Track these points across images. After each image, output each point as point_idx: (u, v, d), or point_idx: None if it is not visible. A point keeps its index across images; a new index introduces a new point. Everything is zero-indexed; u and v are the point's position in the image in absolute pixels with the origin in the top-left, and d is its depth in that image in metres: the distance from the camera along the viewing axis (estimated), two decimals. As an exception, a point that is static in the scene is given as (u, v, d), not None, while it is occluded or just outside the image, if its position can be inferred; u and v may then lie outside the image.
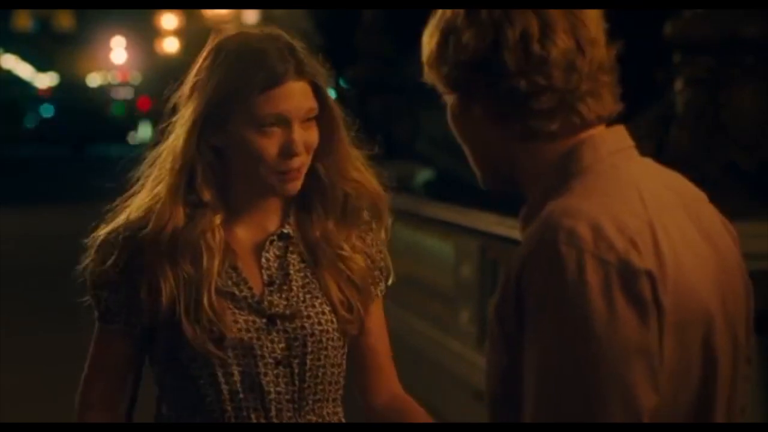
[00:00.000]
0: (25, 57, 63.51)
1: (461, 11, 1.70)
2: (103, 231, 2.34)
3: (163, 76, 34.52)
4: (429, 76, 1.76)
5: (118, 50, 54.35)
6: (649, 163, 1.76)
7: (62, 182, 26.80)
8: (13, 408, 7.29)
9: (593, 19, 1.69)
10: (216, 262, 2.28)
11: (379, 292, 2.43)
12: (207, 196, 2.28)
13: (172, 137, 2.31)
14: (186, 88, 2.31)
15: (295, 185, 2.27)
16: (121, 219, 2.34)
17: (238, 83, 2.23)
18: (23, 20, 63.55)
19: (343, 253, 2.34)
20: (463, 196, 8.06)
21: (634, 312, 1.57)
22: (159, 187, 2.31)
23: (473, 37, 1.67)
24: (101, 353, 2.36)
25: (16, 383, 7.98)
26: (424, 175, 10.58)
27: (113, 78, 57.09)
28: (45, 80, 63.09)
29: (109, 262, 2.29)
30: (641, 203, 1.65)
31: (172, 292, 2.26)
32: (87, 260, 2.34)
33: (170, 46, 32.89)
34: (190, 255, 2.27)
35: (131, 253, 2.28)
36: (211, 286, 2.26)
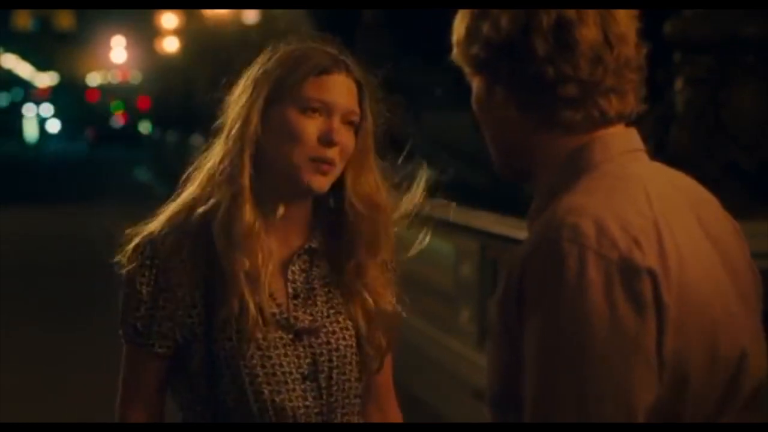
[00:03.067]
0: (25, 56, 63.53)
1: None
2: (141, 234, 2.29)
3: (163, 76, 34.46)
4: (457, 56, 1.77)
5: (118, 49, 54.36)
6: (657, 165, 1.76)
7: (63, 182, 26.81)
8: (13, 408, 7.29)
9: (625, 17, 1.70)
10: (270, 266, 2.26)
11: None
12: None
13: (229, 123, 2.30)
14: (242, 81, 2.32)
15: (323, 181, 2.25)
16: (163, 219, 2.30)
17: (292, 66, 2.26)
18: (23, 19, 63.56)
19: (374, 287, 2.34)
20: (463, 196, 8.05)
21: (634, 310, 1.57)
22: (213, 180, 2.28)
23: (507, 19, 1.68)
24: (136, 375, 2.31)
25: (16, 383, 7.98)
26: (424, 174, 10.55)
27: (113, 77, 57.09)
28: (45, 79, 63.08)
29: (143, 280, 2.26)
30: (647, 202, 1.65)
31: (220, 295, 2.23)
32: (123, 275, 2.29)
33: (170, 45, 32.81)
34: (246, 251, 2.24)
35: (169, 260, 2.25)
36: (265, 288, 2.24)
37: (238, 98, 2.30)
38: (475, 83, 1.76)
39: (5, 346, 9.04)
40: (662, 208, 1.65)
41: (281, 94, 2.26)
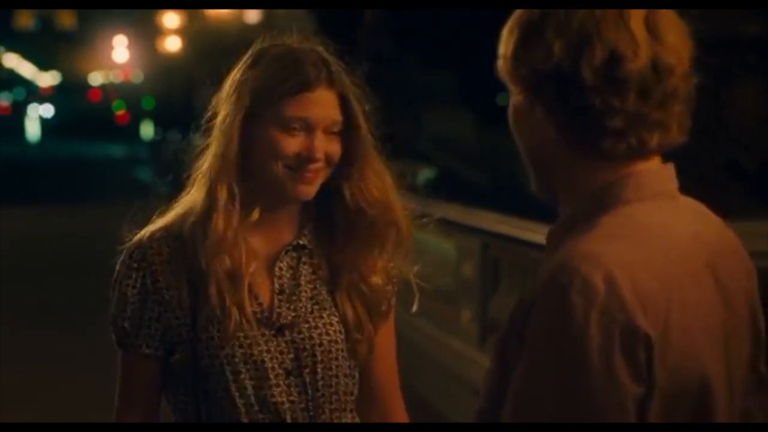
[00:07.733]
0: (27, 56, 63.57)
1: (549, 13, 1.67)
2: (133, 239, 2.33)
3: (165, 75, 34.43)
4: (501, 72, 1.73)
5: (120, 49, 54.23)
6: (686, 208, 1.73)
7: (64, 182, 26.82)
8: (13, 408, 7.29)
9: (676, 46, 1.67)
10: (252, 267, 2.29)
11: (390, 311, 2.43)
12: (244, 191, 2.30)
13: (214, 135, 2.33)
14: (226, 87, 2.33)
15: (308, 189, 2.28)
16: (157, 224, 2.34)
17: (272, 84, 2.27)
18: (25, 19, 63.59)
19: (366, 277, 2.36)
20: (464, 195, 8.06)
21: (628, 374, 1.56)
22: (203, 188, 2.31)
23: (560, 47, 1.64)
24: (129, 378, 2.35)
25: (15, 383, 7.98)
26: (425, 173, 10.58)
27: (115, 77, 57.07)
28: (47, 79, 63.10)
29: (130, 282, 2.30)
30: (665, 261, 1.62)
31: (203, 296, 2.26)
32: (113, 278, 2.33)
33: (172, 45, 32.78)
34: (226, 252, 2.27)
35: (157, 263, 2.29)
36: (245, 287, 2.27)
37: (222, 103, 2.32)
38: (516, 98, 1.72)
39: (5, 345, 9.04)
40: (678, 266, 1.63)
41: (261, 110, 2.27)
